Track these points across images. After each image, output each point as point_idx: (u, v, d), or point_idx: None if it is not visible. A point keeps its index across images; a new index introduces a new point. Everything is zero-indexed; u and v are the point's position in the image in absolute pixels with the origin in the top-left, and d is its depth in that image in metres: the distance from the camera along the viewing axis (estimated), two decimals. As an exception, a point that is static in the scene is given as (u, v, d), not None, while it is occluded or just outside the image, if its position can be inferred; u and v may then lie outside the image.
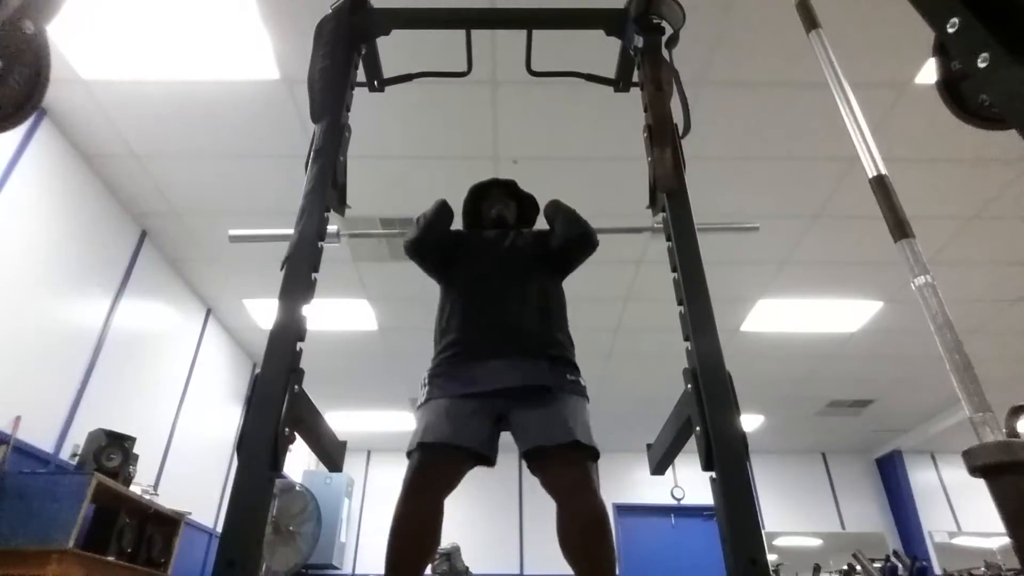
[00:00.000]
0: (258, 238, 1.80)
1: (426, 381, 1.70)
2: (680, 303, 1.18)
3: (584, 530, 1.44)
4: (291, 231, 1.23)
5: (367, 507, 7.46)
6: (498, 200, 2.07)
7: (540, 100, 3.09)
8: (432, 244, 1.87)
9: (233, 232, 1.71)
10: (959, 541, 7.10)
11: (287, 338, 1.08)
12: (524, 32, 1.74)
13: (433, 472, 1.55)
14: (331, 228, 1.38)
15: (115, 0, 2.59)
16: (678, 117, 1.41)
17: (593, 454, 1.54)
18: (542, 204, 2.08)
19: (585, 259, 1.91)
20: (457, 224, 2.05)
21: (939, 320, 0.84)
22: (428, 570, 5.48)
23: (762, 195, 3.69)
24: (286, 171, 3.48)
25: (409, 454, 1.58)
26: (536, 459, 1.54)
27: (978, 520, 7.10)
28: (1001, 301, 4.62)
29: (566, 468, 1.51)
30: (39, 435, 3.09)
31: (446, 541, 5.96)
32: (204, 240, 4.09)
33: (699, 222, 1.26)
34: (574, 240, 1.87)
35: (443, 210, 1.91)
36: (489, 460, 1.61)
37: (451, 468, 1.57)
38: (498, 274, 1.80)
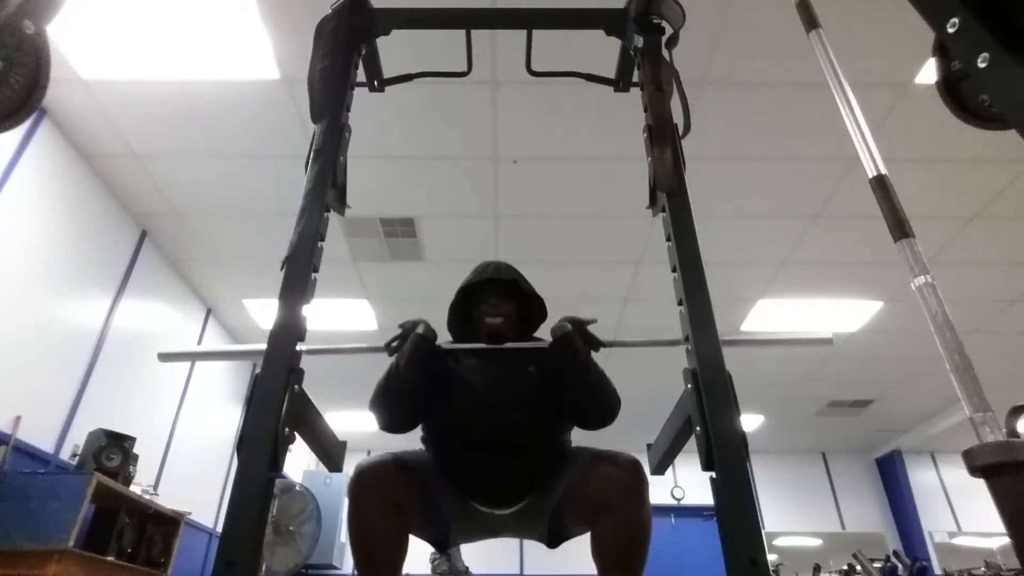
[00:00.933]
0: (189, 356, 1.61)
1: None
2: (680, 303, 1.17)
3: (631, 545, 1.37)
4: (221, 348, 1.18)
5: (367, 507, 7.45)
6: (494, 306, 1.63)
7: (540, 100, 3.09)
8: (404, 422, 1.53)
9: (162, 351, 1.46)
10: (959, 541, 7.10)
11: (287, 338, 1.08)
12: (524, 32, 1.74)
13: (379, 482, 1.42)
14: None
15: (115, 0, 2.59)
16: (678, 117, 1.41)
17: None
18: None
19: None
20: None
21: (939, 320, 0.84)
22: (428, 570, 5.47)
23: (762, 195, 3.69)
24: (286, 171, 3.48)
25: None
26: (576, 489, 1.43)
27: (978, 520, 7.10)
28: (1001, 301, 4.62)
29: (621, 468, 1.40)
30: (39, 435, 3.09)
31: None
32: (204, 240, 4.09)
33: (771, 334, 1.23)
34: (594, 423, 1.52)
35: (419, 364, 1.47)
36: (442, 543, 1.54)
37: (399, 493, 1.42)
38: (490, 419, 1.49)
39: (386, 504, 1.40)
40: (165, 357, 1.45)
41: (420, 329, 1.49)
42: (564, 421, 1.57)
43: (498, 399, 1.51)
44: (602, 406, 1.50)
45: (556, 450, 1.55)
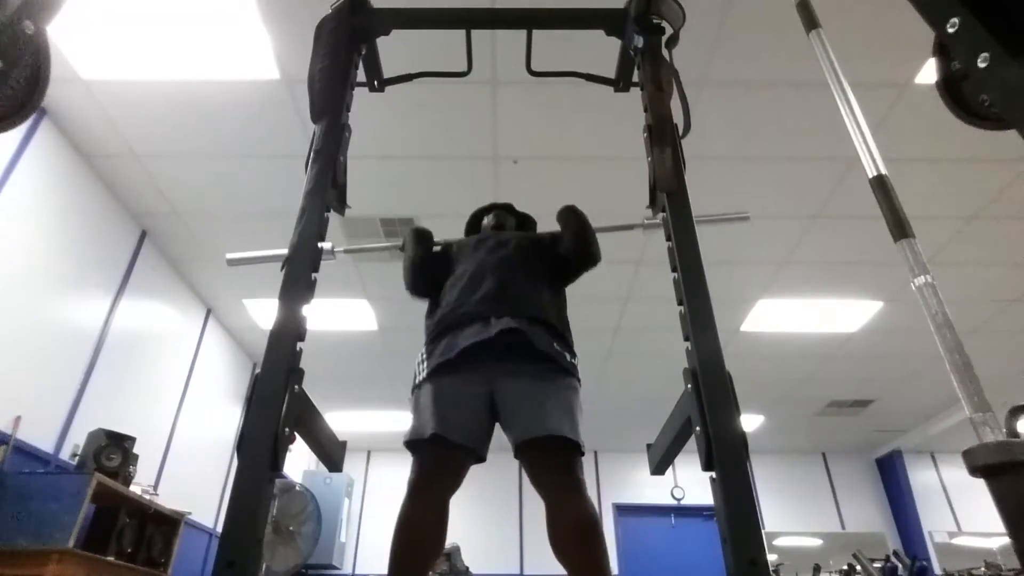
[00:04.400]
0: (255, 260, 1.74)
1: (421, 358, 1.66)
2: (680, 303, 1.17)
3: (576, 536, 1.41)
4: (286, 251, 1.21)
5: (367, 507, 7.46)
6: (498, 215, 2.16)
7: (540, 100, 3.09)
8: (426, 281, 1.86)
9: (230, 256, 1.68)
10: (959, 541, 7.10)
11: (287, 338, 1.08)
12: (524, 32, 1.74)
13: (435, 470, 1.53)
14: (326, 245, 1.33)
15: (115, 0, 2.59)
16: (678, 117, 1.41)
17: (579, 450, 1.49)
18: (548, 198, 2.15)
19: (584, 273, 1.91)
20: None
21: (939, 320, 0.84)
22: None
23: (762, 195, 3.69)
24: (286, 171, 3.48)
25: (409, 445, 1.54)
26: (522, 451, 1.51)
27: (978, 520, 7.10)
28: (1001, 301, 4.62)
29: (553, 468, 1.48)
30: (39, 435, 3.09)
31: (447, 541, 5.96)
32: (204, 240, 4.09)
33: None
34: (579, 259, 1.86)
35: (417, 243, 1.89)
36: (482, 457, 1.59)
37: (452, 464, 1.55)
38: (493, 258, 1.78)
39: (443, 497, 1.53)
40: (233, 262, 1.74)
41: (413, 226, 2.02)
42: (553, 281, 1.85)
43: (500, 246, 1.83)
44: (584, 251, 1.85)
45: (551, 303, 1.74)
